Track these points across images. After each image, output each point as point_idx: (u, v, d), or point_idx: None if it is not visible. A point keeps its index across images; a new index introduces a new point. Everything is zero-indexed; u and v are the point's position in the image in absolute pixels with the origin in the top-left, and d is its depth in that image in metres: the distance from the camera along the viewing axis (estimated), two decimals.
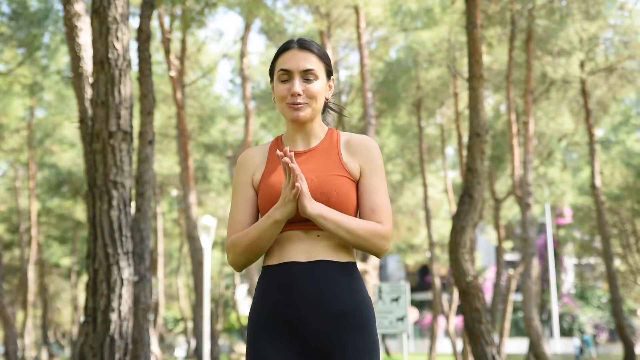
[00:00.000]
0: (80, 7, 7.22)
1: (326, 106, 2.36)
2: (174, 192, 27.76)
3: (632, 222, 23.14)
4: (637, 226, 23.20)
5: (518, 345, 35.36)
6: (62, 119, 22.93)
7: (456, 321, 30.80)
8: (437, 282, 21.92)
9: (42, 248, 30.60)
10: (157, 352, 21.05)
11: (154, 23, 17.11)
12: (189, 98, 22.36)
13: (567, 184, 24.10)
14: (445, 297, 27.54)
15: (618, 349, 33.32)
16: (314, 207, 2.07)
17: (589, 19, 16.73)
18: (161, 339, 35.34)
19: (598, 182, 18.07)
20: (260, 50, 33.02)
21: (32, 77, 18.82)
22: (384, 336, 27.87)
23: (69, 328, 40.76)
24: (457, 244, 8.12)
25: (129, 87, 5.60)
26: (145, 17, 7.64)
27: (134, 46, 18.04)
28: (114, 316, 5.34)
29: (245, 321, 33.34)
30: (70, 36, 7.20)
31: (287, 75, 2.19)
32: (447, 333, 30.03)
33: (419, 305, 43.65)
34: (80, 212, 26.25)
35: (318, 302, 2.08)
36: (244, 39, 19.37)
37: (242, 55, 19.24)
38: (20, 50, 18.06)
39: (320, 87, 2.20)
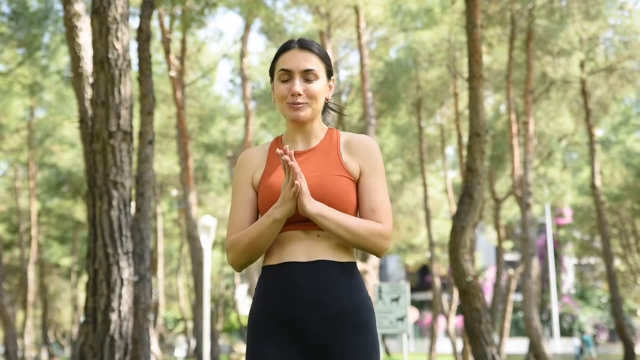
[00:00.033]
0: (80, 7, 7.23)
1: (326, 106, 2.36)
2: (174, 192, 27.76)
3: (632, 222, 23.14)
4: (637, 226, 23.20)
5: (518, 345, 35.36)
6: (62, 119, 22.93)
7: (456, 321, 30.80)
8: (437, 282, 21.92)
9: (42, 248, 30.60)
10: (157, 352, 21.05)
11: (154, 23, 17.11)
12: (189, 98, 22.36)
13: (567, 184, 24.11)
14: (445, 297, 27.54)
15: (618, 349, 33.32)
16: (313, 206, 2.07)
17: (589, 19, 16.73)
18: (161, 339, 35.34)
19: (598, 182, 18.07)
20: (260, 50, 33.05)
21: (32, 77, 18.82)
22: (384, 336, 27.87)
23: (69, 328, 40.76)
24: (457, 244, 8.12)
25: (129, 87, 5.60)
26: (145, 17, 7.63)
27: (134, 46, 18.05)
28: (114, 316, 5.34)
29: (245, 321, 33.34)
30: (70, 36, 7.20)
31: (288, 75, 2.19)
32: (447, 333, 30.03)
33: (419, 305, 43.65)
34: (80, 212, 26.25)
35: (318, 302, 2.08)
36: (244, 39, 19.37)
37: (242, 55, 19.24)
38: (20, 50, 18.07)
39: (320, 87, 2.20)
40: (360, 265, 14.79)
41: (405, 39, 20.23)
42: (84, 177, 16.29)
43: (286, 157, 2.01)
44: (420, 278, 45.82)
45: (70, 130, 23.12)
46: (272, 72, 2.26)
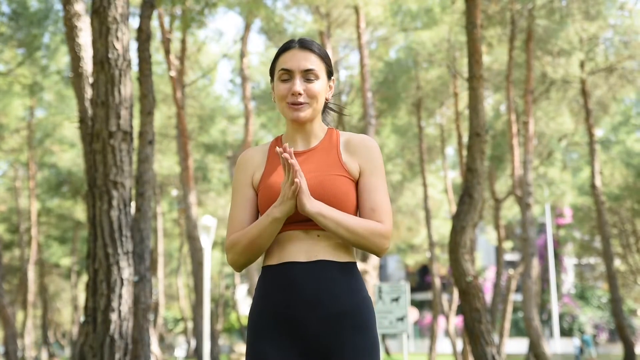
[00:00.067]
0: (80, 7, 7.23)
1: (326, 106, 2.35)
2: (174, 192, 27.76)
3: (632, 222, 23.14)
4: (637, 226, 23.21)
5: (518, 345, 35.36)
6: (62, 119, 22.93)
7: (456, 321, 30.80)
8: (437, 282, 21.92)
9: (42, 248, 30.61)
10: (157, 352, 21.05)
11: (154, 23, 17.11)
12: (189, 98, 22.36)
13: (567, 184, 24.11)
14: (445, 297, 27.55)
15: (618, 349, 33.32)
16: (313, 205, 2.06)
17: (589, 19, 16.73)
18: (161, 339, 35.35)
19: (598, 182, 18.07)
20: (260, 50, 33.06)
21: (32, 77, 18.82)
22: (384, 336, 27.87)
23: (69, 328, 40.76)
24: (457, 244, 8.12)
25: (129, 87, 5.60)
26: (145, 17, 7.63)
27: (134, 46, 18.05)
28: (114, 316, 5.34)
29: (245, 321, 33.34)
30: (70, 36, 7.20)
31: (288, 75, 2.19)
32: (447, 333, 30.03)
33: (419, 305, 43.65)
34: (80, 212, 26.25)
35: (318, 302, 2.08)
36: (244, 39, 19.37)
37: (242, 55, 19.24)
38: (20, 50, 18.06)
39: (320, 87, 2.20)
40: (360, 265, 14.79)
41: (405, 39, 20.23)
42: (84, 177, 16.30)
43: (286, 155, 2.01)
44: (420, 278, 45.82)
45: (70, 130, 23.12)
46: (272, 72, 2.26)
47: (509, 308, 18.67)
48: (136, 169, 7.49)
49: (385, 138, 23.35)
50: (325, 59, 2.23)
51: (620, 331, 17.72)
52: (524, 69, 17.71)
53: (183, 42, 18.41)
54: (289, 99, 2.18)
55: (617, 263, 23.36)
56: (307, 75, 2.18)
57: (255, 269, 19.83)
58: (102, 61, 5.52)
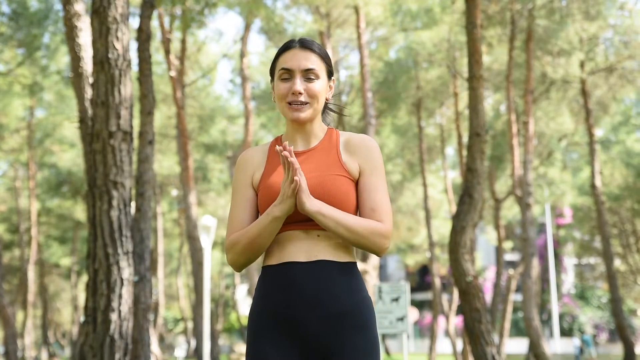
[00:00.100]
0: (80, 7, 7.23)
1: (326, 107, 2.35)
2: (174, 192, 27.76)
3: (632, 222, 23.14)
4: (637, 226, 23.20)
5: (518, 345, 35.36)
6: (62, 119, 22.93)
7: (456, 321, 30.80)
8: (437, 282, 21.92)
9: (42, 248, 30.60)
10: (157, 352, 21.05)
11: (154, 23, 17.11)
12: (189, 98, 22.36)
13: (567, 184, 24.11)
14: (445, 297, 27.54)
15: (618, 349, 33.32)
16: (312, 204, 2.06)
17: (589, 19, 16.73)
18: (161, 339, 35.35)
19: (598, 182, 18.07)
20: (260, 50, 33.06)
21: (32, 77, 18.82)
22: (384, 336, 27.87)
23: (69, 328, 40.77)
24: (457, 244, 8.12)
25: (129, 87, 5.60)
26: (145, 17, 7.63)
27: (134, 46, 18.05)
28: (114, 316, 5.34)
29: (245, 321, 33.34)
30: (70, 36, 7.20)
31: (289, 74, 2.19)
32: (447, 333, 30.03)
33: (419, 305, 43.65)
34: (80, 212, 26.25)
35: (318, 302, 2.08)
36: (244, 39, 19.38)
37: (242, 55, 19.24)
38: (20, 50, 18.06)
39: (321, 86, 2.20)
40: (360, 265, 14.79)
41: (405, 39, 20.23)
42: (84, 177, 16.29)
43: (285, 153, 2.00)
44: (420, 278, 45.82)
45: (70, 130, 23.12)
46: (272, 72, 2.26)
47: (509, 308, 18.67)
48: (136, 169, 7.49)
49: (385, 138, 23.35)
50: (325, 58, 2.23)
51: (620, 331, 17.72)
52: (524, 69, 17.71)
53: (183, 42, 18.41)
54: (289, 98, 2.18)
55: (617, 263, 23.36)
56: (308, 74, 2.18)
57: (255, 269, 19.84)
58: (102, 61, 5.52)
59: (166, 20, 17.23)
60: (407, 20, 18.51)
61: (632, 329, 32.74)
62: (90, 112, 6.94)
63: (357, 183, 2.19)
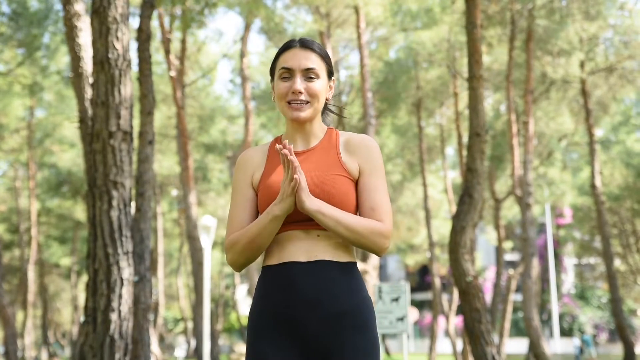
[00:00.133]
0: (80, 7, 7.23)
1: (326, 107, 2.35)
2: (174, 192, 27.76)
3: (632, 222, 23.14)
4: (637, 226, 23.21)
5: (518, 345, 35.36)
6: (62, 119, 22.93)
7: (456, 321, 30.80)
8: (437, 282, 21.92)
9: (42, 248, 30.60)
10: (157, 352, 21.05)
11: (154, 23, 17.11)
12: (189, 98, 22.36)
13: (567, 184, 24.11)
14: (445, 297, 27.54)
15: (618, 349, 33.31)
16: (312, 203, 2.06)
17: (589, 19, 16.73)
18: (161, 339, 35.35)
19: (598, 182, 18.07)
20: (260, 50, 33.05)
21: (32, 77, 18.82)
22: (384, 336, 27.87)
23: (69, 328, 40.76)
24: (457, 244, 8.12)
25: (129, 87, 5.60)
26: (145, 17, 7.63)
27: (134, 46, 18.04)
28: (114, 316, 5.34)
29: (245, 321, 33.34)
30: (70, 36, 7.20)
31: (289, 74, 2.19)
32: (447, 333, 30.03)
33: (419, 305, 43.65)
34: (80, 212, 26.25)
35: (318, 302, 2.08)
36: (243, 39, 19.38)
37: (242, 55, 19.24)
38: (20, 50, 18.06)
39: (321, 86, 2.20)
40: (360, 265, 14.79)
41: (405, 39, 20.23)
42: (84, 177, 16.30)
43: (285, 151, 2.00)
44: (420, 278, 45.82)
45: (70, 130, 23.12)
46: (272, 71, 2.26)
47: (509, 308, 18.67)
48: (136, 169, 7.49)
49: (385, 138, 23.35)
50: (325, 58, 2.23)
51: (620, 331, 17.72)
52: (524, 69, 17.71)
53: (183, 42, 18.41)
54: (290, 97, 2.18)
55: (617, 263, 23.37)
56: (308, 74, 2.18)
57: (255, 269, 19.84)
58: (102, 61, 5.52)
59: (166, 20, 17.23)
60: (407, 20, 18.51)
61: (632, 329, 32.74)
62: (90, 112, 6.94)
63: (357, 183, 2.19)
